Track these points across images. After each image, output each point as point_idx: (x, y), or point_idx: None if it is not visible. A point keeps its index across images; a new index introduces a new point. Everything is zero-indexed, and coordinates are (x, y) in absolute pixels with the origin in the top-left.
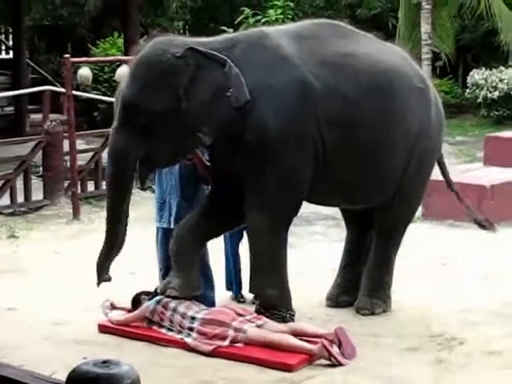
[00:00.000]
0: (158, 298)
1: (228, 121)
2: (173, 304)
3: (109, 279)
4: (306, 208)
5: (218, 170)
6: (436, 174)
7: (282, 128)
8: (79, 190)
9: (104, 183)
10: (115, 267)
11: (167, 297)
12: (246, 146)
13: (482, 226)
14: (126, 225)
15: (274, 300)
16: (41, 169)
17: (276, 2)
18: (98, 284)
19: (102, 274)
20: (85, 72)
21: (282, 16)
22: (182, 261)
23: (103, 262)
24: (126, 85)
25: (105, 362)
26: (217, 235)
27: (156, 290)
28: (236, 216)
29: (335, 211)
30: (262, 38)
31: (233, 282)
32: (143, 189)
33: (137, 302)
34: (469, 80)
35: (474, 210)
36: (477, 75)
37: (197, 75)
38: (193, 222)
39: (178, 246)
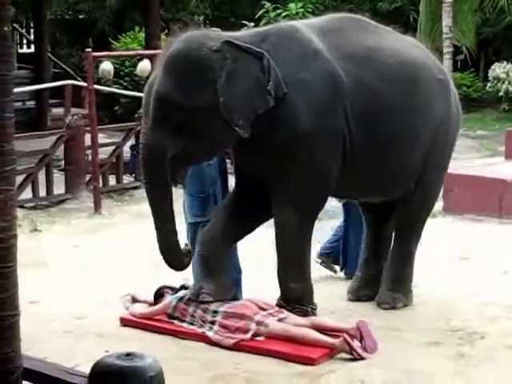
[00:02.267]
0: (180, 294)
1: (262, 114)
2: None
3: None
4: (328, 202)
5: (243, 167)
6: (456, 168)
7: (314, 123)
8: (101, 184)
9: (125, 177)
10: (137, 262)
11: (200, 302)
12: (277, 140)
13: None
14: (175, 222)
15: (297, 294)
16: (63, 163)
17: None
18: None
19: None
20: (107, 66)
21: (302, 10)
22: (212, 265)
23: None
24: (160, 79)
25: (128, 354)
26: (244, 235)
27: (182, 286)
28: (262, 213)
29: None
30: (292, 32)
31: None
32: (175, 185)
33: (160, 295)
34: (490, 74)
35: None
36: (498, 69)
37: (234, 69)
38: (219, 225)
39: (207, 251)
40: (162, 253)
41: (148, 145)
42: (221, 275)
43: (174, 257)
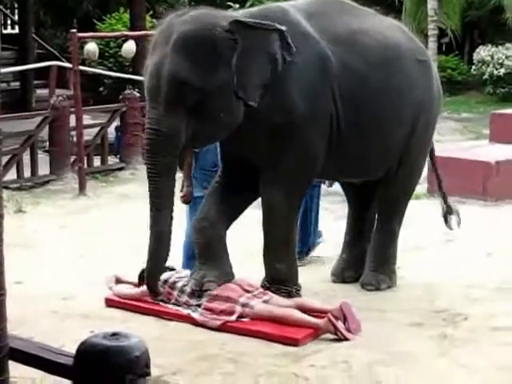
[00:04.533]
0: (164, 277)
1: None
2: (180, 284)
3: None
4: None
5: (231, 148)
6: (440, 150)
7: (305, 104)
8: (85, 165)
9: (110, 158)
10: (122, 243)
11: (205, 291)
12: (268, 122)
13: (448, 224)
14: (171, 214)
15: (282, 274)
16: (47, 144)
17: None
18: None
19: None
20: (91, 47)
21: None
22: (212, 252)
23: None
24: (172, 61)
25: (114, 334)
26: (238, 216)
27: (166, 267)
28: (253, 193)
29: (338, 187)
30: (284, 15)
31: None
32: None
33: (144, 277)
34: (475, 57)
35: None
36: (483, 52)
37: (246, 46)
38: (213, 211)
39: (204, 239)
40: (156, 212)
41: (162, 131)
42: (222, 260)
43: (156, 273)
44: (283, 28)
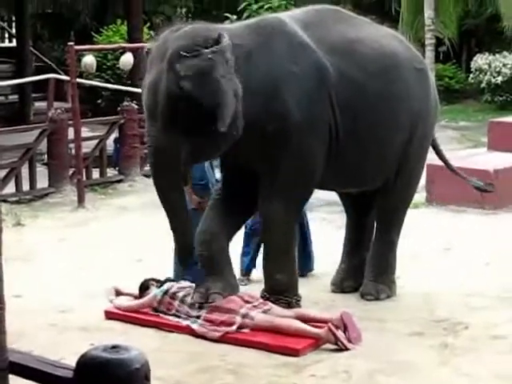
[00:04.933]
0: (165, 287)
1: (252, 106)
2: (181, 294)
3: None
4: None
5: (231, 159)
6: (438, 159)
7: (303, 115)
8: (84, 178)
9: (109, 170)
10: (121, 255)
11: (211, 303)
12: (266, 132)
13: (481, 190)
14: (190, 221)
15: (282, 285)
16: (46, 156)
17: None
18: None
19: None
20: (89, 60)
21: (284, 2)
22: (216, 264)
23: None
24: (169, 77)
25: (114, 347)
26: (238, 229)
27: (167, 279)
28: (252, 206)
29: (337, 197)
30: (280, 25)
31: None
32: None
33: (145, 288)
34: (472, 65)
35: (472, 178)
36: (480, 60)
37: (240, 60)
38: (215, 223)
39: (207, 252)
40: (180, 250)
41: (159, 147)
42: (226, 272)
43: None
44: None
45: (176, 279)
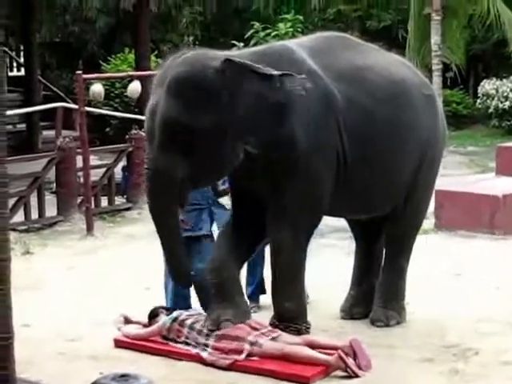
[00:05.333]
0: (174, 315)
1: (259, 133)
2: (189, 321)
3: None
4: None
5: (239, 186)
6: (447, 184)
7: (310, 142)
8: (93, 206)
9: (117, 198)
10: (130, 283)
11: (218, 330)
12: (274, 159)
13: None
14: (182, 245)
15: (291, 312)
16: (54, 185)
17: (286, 16)
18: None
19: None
20: (97, 88)
21: (291, 29)
22: (226, 291)
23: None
24: (165, 103)
25: (123, 375)
26: (251, 255)
27: (175, 307)
28: (262, 233)
29: (346, 223)
30: (287, 52)
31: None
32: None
33: (154, 316)
34: (480, 90)
35: None
36: (487, 85)
37: (239, 88)
38: (226, 250)
39: (218, 279)
40: (173, 272)
41: (155, 170)
42: (238, 299)
43: (184, 275)
44: (275, 73)
45: (174, 303)
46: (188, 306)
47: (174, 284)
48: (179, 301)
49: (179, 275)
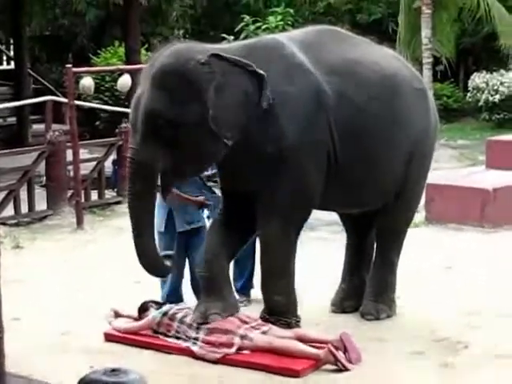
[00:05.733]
0: (164, 309)
1: (247, 128)
2: (180, 315)
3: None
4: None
5: (229, 181)
6: (438, 178)
7: (299, 136)
8: (83, 200)
9: (107, 192)
10: (120, 276)
11: (207, 323)
12: (261, 154)
13: None
14: (154, 235)
15: (281, 306)
16: (44, 179)
17: (276, 9)
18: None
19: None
20: (87, 82)
21: (282, 23)
22: (216, 284)
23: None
24: (148, 95)
25: (113, 370)
26: (239, 249)
27: (165, 301)
28: (252, 226)
29: (338, 217)
30: (277, 46)
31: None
32: (164, 200)
33: (144, 310)
34: (470, 84)
35: None
36: (478, 79)
37: (223, 81)
38: (216, 243)
39: (209, 272)
40: (141, 259)
41: (136, 160)
42: (227, 293)
43: (152, 261)
44: (262, 72)
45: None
46: (180, 300)
47: (173, 278)
48: (174, 294)
49: (151, 266)
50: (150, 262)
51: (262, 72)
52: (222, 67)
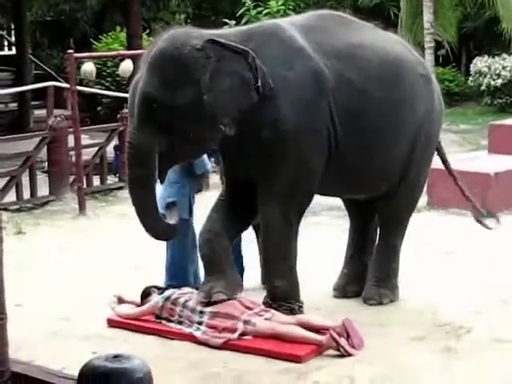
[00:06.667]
0: (167, 294)
1: (246, 112)
2: (182, 299)
3: None
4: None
5: (230, 165)
6: (439, 163)
7: (298, 120)
8: (85, 185)
9: (109, 177)
10: (122, 262)
11: (215, 302)
12: (261, 138)
13: (484, 225)
14: (160, 216)
15: (283, 291)
16: (46, 164)
17: None
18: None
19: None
20: (89, 67)
21: (283, 7)
22: (218, 263)
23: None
24: (145, 79)
25: (116, 356)
26: (241, 230)
27: (168, 285)
28: (254, 208)
29: (340, 202)
30: (276, 31)
31: None
32: (161, 183)
33: (147, 295)
34: (472, 68)
35: (476, 204)
36: (480, 63)
37: (218, 67)
38: (219, 223)
39: (210, 250)
40: (144, 222)
41: (134, 144)
42: (230, 271)
43: (155, 221)
44: (252, 53)
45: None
46: (185, 279)
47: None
48: (181, 273)
49: (158, 231)
50: (152, 221)
51: (255, 59)
52: (217, 52)
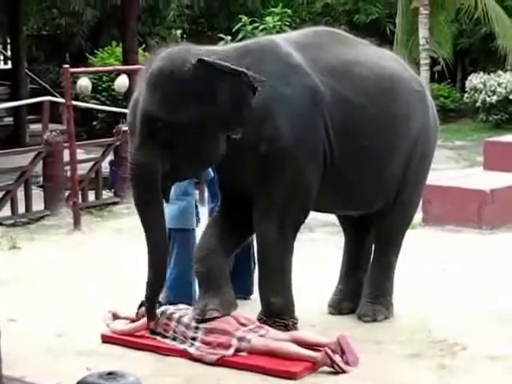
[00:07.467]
0: (162, 309)
1: (244, 129)
2: (177, 315)
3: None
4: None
5: (226, 181)
6: (435, 179)
7: (295, 137)
8: (80, 200)
9: (104, 192)
10: (117, 277)
11: (208, 320)
12: (258, 155)
13: None
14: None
15: (278, 308)
16: (41, 179)
17: (273, 10)
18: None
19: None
20: (84, 82)
21: (279, 23)
22: (213, 280)
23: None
24: (145, 98)
25: (110, 373)
26: (237, 247)
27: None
28: (250, 225)
29: (335, 218)
30: (272, 47)
31: None
32: (166, 201)
33: (142, 306)
34: (467, 84)
35: None
36: (475, 79)
37: (212, 86)
38: (214, 240)
39: (205, 268)
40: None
41: (137, 164)
42: (224, 289)
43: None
44: (248, 72)
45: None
46: (190, 296)
47: (178, 272)
48: (181, 289)
49: (150, 283)
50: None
51: (245, 71)
52: (210, 73)
